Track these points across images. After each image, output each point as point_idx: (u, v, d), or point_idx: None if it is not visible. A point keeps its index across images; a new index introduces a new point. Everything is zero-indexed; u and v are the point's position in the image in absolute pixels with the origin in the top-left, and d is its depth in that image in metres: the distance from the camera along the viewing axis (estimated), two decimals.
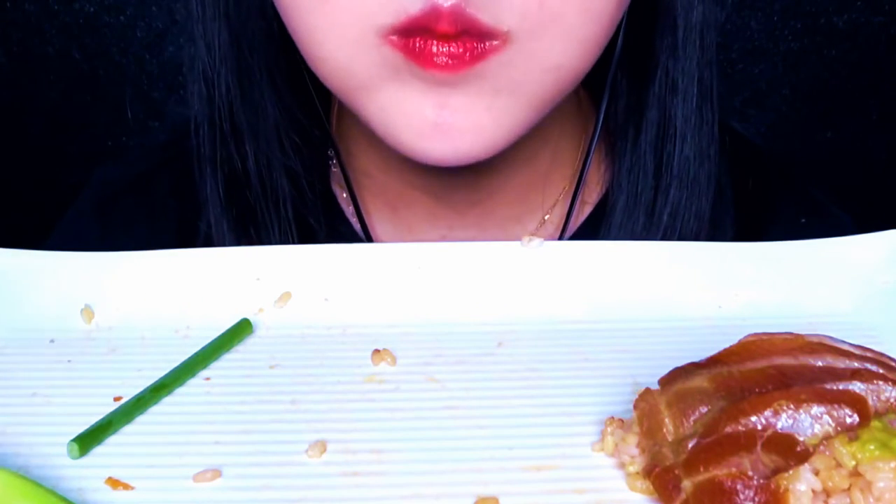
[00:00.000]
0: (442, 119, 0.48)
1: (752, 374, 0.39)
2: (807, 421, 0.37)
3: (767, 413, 0.37)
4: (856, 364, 0.39)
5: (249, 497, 0.39)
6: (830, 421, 0.37)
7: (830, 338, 0.41)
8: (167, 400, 0.46)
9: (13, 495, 0.37)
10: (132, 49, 1.19)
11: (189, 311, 0.51)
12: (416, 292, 0.52)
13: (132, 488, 0.40)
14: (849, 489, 0.35)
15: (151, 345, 0.49)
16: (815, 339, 0.41)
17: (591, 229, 0.64)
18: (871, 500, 0.34)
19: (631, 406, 0.41)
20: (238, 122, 0.60)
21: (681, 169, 0.60)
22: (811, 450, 0.36)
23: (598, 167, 0.65)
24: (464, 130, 0.48)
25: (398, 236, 0.64)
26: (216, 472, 0.40)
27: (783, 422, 0.37)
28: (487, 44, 0.46)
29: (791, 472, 0.35)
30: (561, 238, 0.63)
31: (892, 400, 0.38)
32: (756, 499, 0.35)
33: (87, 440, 0.42)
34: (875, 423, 0.37)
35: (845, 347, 0.40)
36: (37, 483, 0.38)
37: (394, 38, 0.46)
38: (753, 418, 0.37)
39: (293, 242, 0.61)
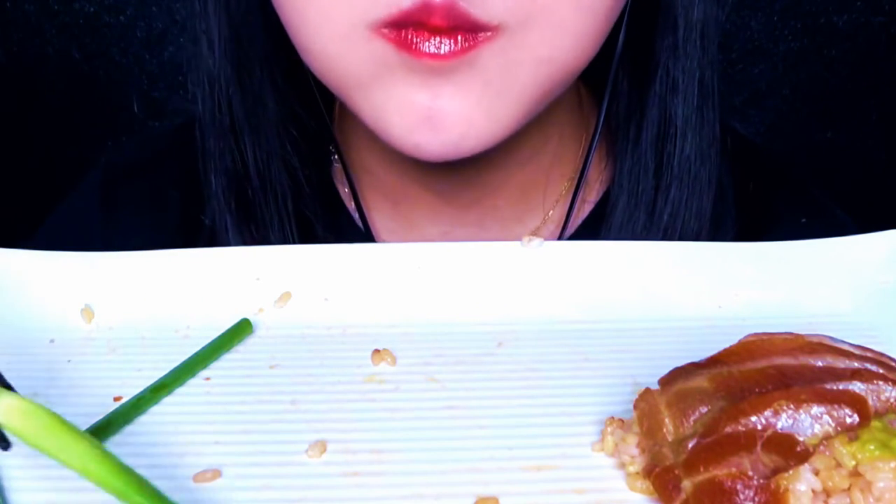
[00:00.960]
0: (433, 110, 0.48)
1: (752, 374, 0.39)
2: (807, 421, 0.37)
3: (767, 413, 0.37)
4: (856, 364, 0.39)
5: (249, 497, 0.39)
6: (830, 421, 0.37)
7: (830, 338, 0.41)
8: (167, 400, 0.46)
9: (35, 426, 0.37)
10: (132, 49, 1.19)
11: (189, 311, 0.51)
12: (416, 292, 0.52)
13: None
14: (849, 489, 0.35)
15: (151, 345, 0.49)
16: (815, 339, 0.41)
17: (592, 228, 0.64)
18: (871, 500, 0.34)
19: (631, 406, 0.41)
20: (238, 117, 0.60)
21: (681, 168, 0.60)
22: (811, 450, 0.36)
23: (598, 166, 0.65)
24: (454, 123, 0.48)
25: (399, 232, 0.65)
26: (216, 472, 0.40)
27: (783, 422, 0.37)
28: (480, 35, 0.46)
29: (791, 472, 0.35)
30: (561, 237, 0.63)
31: (892, 400, 0.38)
32: (756, 499, 0.35)
33: None
34: (875, 423, 0.37)
35: (845, 347, 0.40)
36: (58, 416, 0.37)
37: (385, 30, 0.46)
38: (753, 418, 0.37)
39: (293, 237, 0.62)
